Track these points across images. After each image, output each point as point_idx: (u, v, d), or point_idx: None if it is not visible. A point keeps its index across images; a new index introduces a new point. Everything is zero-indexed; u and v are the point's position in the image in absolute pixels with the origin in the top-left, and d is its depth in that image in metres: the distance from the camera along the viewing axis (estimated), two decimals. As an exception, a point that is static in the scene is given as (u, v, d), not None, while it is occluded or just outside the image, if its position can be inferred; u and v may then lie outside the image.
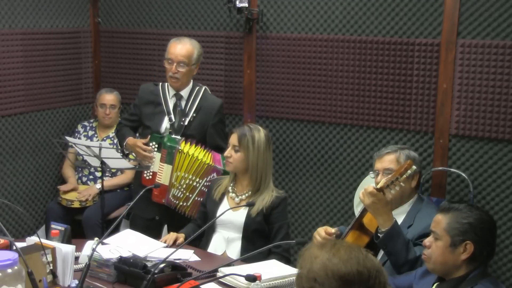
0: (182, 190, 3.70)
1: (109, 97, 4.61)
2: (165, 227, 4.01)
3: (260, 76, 4.36)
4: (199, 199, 3.68)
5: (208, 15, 4.50)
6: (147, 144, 3.73)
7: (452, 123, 3.75)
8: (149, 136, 3.76)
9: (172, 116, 3.76)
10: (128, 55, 4.88)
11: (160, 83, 3.89)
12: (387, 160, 3.18)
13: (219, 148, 3.77)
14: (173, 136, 3.72)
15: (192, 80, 3.86)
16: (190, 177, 3.67)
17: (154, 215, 3.85)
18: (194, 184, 3.67)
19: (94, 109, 4.78)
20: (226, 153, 3.36)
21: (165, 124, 3.78)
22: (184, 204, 3.72)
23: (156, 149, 3.71)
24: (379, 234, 2.88)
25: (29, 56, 4.46)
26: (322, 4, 4.09)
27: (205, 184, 3.66)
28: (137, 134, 4.05)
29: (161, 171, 3.71)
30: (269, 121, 4.38)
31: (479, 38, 3.63)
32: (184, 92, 3.81)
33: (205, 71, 4.56)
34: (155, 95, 3.84)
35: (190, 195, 3.70)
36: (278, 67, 4.28)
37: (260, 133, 3.33)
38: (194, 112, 3.78)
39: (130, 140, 3.83)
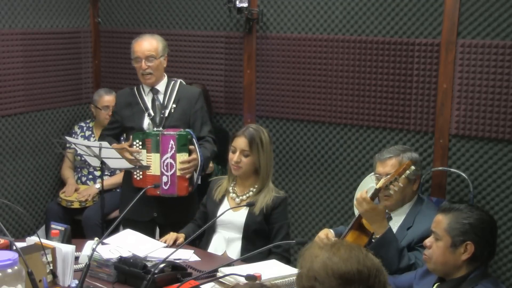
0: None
1: (110, 98, 4.60)
2: (158, 228, 3.95)
3: (260, 76, 4.36)
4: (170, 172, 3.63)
5: (208, 15, 4.50)
6: (131, 145, 3.69)
7: (452, 123, 3.76)
8: (131, 136, 3.71)
9: (151, 111, 3.74)
10: (128, 55, 4.83)
11: (135, 86, 3.86)
12: (390, 165, 3.18)
13: (204, 136, 3.73)
14: (155, 129, 3.69)
15: (166, 75, 3.84)
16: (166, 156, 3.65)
17: (150, 215, 3.79)
18: (171, 162, 3.65)
19: (92, 110, 4.75)
20: (236, 158, 3.29)
21: (146, 120, 3.75)
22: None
23: (140, 147, 3.67)
24: (373, 240, 2.89)
25: (29, 56, 4.46)
26: (322, 4, 4.09)
27: (170, 156, 3.60)
28: (122, 141, 4.00)
29: (150, 163, 3.65)
30: (269, 121, 4.38)
31: (479, 38, 3.64)
32: (160, 87, 3.78)
33: (205, 71, 4.56)
34: (132, 96, 3.81)
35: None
36: (278, 67, 4.28)
37: (265, 135, 3.33)
38: (173, 103, 3.75)
39: (114, 146, 3.78)
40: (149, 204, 3.73)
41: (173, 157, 3.61)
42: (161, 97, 3.77)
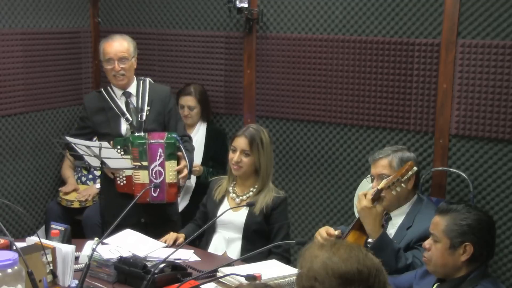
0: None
1: None
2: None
3: (260, 76, 4.36)
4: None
5: (208, 15, 4.50)
6: None
7: (452, 123, 3.76)
8: (111, 142, 3.62)
9: (128, 116, 3.67)
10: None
11: (102, 89, 3.77)
12: (380, 165, 3.17)
13: (181, 136, 3.71)
14: (137, 134, 3.63)
15: (134, 76, 3.76)
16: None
17: (138, 220, 3.73)
18: (159, 169, 3.62)
19: None
20: (236, 158, 3.30)
21: (124, 126, 3.68)
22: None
23: (123, 153, 3.63)
24: (368, 245, 2.87)
25: (29, 56, 4.46)
26: (322, 4, 4.09)
27: (159, 164, 3.58)
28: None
29: (137, 171, 3.60)
30: (269, 121, 4.38)
31: (479, 38, 3.64)
32: (132, 89, 3.72)
33: (205, 71, 4.56)
34: (103, 101, 3.71)
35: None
36: (278, 67, 4.28)
37: (265, 135, 3.33)
38: (147, 105, 3.70)
39: None
40: (137, 209, 3.65)
41: (162, 165, 3.58)
42: (134, 100, 3.70)
